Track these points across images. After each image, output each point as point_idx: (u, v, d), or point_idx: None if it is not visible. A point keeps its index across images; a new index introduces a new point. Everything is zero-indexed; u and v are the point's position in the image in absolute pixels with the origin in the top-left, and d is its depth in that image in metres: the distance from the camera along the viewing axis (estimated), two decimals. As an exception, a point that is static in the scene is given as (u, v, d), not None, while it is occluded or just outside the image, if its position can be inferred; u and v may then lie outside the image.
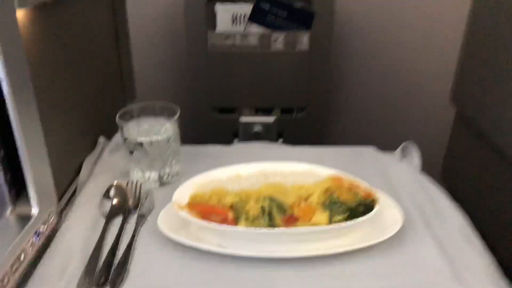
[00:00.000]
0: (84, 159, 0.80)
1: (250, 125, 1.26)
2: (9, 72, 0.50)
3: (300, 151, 0.86)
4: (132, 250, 0.59)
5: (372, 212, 0.58)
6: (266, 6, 1.17)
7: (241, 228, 0.58)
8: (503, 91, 0.86)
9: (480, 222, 0.85)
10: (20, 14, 0.56)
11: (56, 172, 0.62)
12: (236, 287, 0.55)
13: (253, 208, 0.60)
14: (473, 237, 0.64)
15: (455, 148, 1.11)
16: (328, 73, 1.26)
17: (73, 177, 0.77)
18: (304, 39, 1.19)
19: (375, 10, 1.42)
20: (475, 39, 0.99)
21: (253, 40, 1.20)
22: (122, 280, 0.54)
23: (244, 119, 1.27)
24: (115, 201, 0.69)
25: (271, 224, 0.59)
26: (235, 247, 0.57)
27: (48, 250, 0.60)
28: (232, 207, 0.61)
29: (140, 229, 0.64)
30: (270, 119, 1.26)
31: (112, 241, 0.61)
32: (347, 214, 0.60)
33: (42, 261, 0.58)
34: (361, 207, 0.60)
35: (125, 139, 0.72)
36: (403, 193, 0.72)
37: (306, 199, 0.63)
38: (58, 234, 0.63)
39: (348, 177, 0.65)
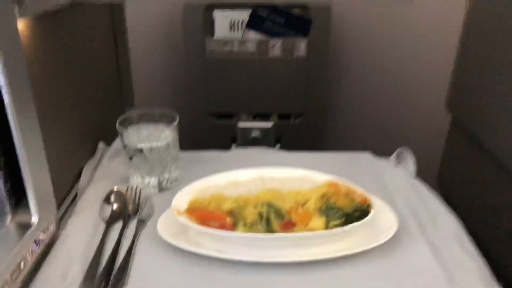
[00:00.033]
0: (83, 165, 0.81)
1: (248, 130, 1.27)
2: (10, 81, 0.50)
3: (297, 157, 0.87)
4: (132, 255, 0.60)
5: (367, 217, 0.60)
6: (264, 13, 1.18)
7: (239, 233, 0.59)
8: (497, 97, 0.87)
9: (475, 227, 0.86)
10: (21, 23, 0.57)
11: (56, 179, 0.63)
12: (235, 291, 0.56)
13: (251, 214, 0.61)
14: (466, 241, 0.65)
15: (451, 154, 1.12)
16: (325, 79, 1.27)
17: (72, 184, 0.78)
18: (301, 46, 1.21)
19: (372, 17, 1.43)
20: (470, 46, 1.00)
21: (251, 47, 1.21)
22: (122, 284, 0.55)
23: (242, 124, 1.28)
24: (115, 206, 0.70)
25: (269, 229, 0.60)
26: (233, 252, 0.58)
27: (49, 255, 0.60)
28: (230, 212, 0.62)
29: (139, 234, 0.65)
30: (268, 124, 1.27)
31: (112, 246, 0.61)
32: (343, 219, 0.61)
33: (43, 266, 0.58)
34: (357, 212, 0.61)
35: (125, 145, 0.73)
36: (398, 198, 0.73)
37: (303, 204, 0.64)
38: (59, 240, 0.63)
39: (344, 183, 0.66)
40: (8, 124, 0.53)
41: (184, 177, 0.77)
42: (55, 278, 0.56)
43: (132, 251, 0.61)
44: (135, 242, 0.63)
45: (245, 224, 0.60)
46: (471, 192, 1.00)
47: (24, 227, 0.57)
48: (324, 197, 0.64)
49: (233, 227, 0.60)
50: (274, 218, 0.61)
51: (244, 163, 0.73)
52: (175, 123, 0.74)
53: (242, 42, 1.20)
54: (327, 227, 0.60)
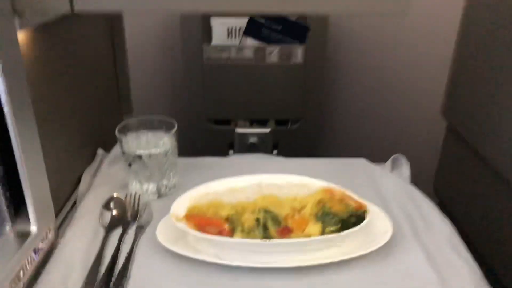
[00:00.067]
0: (81, 172, 0.82)
1: (245, 136, 1.28)
2: (9, 90, 0.51)
3: (293, 163, 0.88)
4: (131, 261, 0.61)
5: (362, 223, 0.61)
6: (261, 20, 1.19)
7: (237, 239, 0.60)
8: (492, 104, 0.88)
9: (470, 232, 0.87)
10: (21, 35, 0.57)
11: (54, 187, 0.64)
12: (233, 296, 0.57)
13: (248, 220, 0.62)
14: (460, 246, 0.66)
15: (447, 160, 1.13)
16: (321, 85, 1.28)
17: (71, 190, 0.78)
18: (298, 52, 1.22)
19: (369, 24, 1.45)
20: (465, 53, 1.02)
21: (248, 53, 1.22)
22: (122, 290, 0.56)
23: (240, 130, 1.29)
24: (114, 212, 0.70)
25: (266, 235, 0.61)
26: (231, 257, 0.59)
27: (49, 263, 0.61)
28: (228, 219, 0.63)
29: (139, 240, 0.66)
30: (265, 130, 1.29)
31: (112, 252, 0.62)
32: (339, 225, 0.62)
33: (43, 274, 0.59)
34: (353, 218, 0.63)
35: (124, 152, 0.74)
36: (393, 204, 0.74)
37: (300, 210, 0.65)
38: (58, 247, 0.64)
39: (339, 189, 0.67)
40: (7, 133, 0.53)
41: (182, 183, 0.78)
42: (56, 284, 0.57)
43: (132, 257, 0.62)
44: (134, 248, 0.64)
45: (242, 230, 0.61)
46: (466, 198, 1.01)
47: (23, 236, 0.57)
48: (320, 203, 0.66)
49: (231, 233, 0.61)
50: (271, 224, 0.62)
51: (241, 169, 0.74)
52: (174, 130, 0.75)
53: (240, 48, 1.21)
54: (323, 232, 0.61)
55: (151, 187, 0.75)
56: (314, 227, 0.62)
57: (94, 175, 0.83)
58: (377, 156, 0.90)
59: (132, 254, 0.62)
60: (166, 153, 0.74)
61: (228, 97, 1.27)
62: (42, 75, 0.67)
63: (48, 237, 0.62)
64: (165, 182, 0.76)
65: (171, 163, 0.76)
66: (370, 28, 1.46)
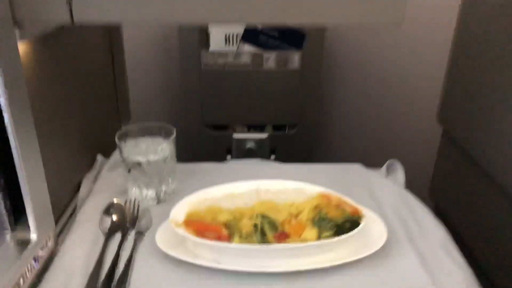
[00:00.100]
0: (81, 179, 0.82)
1: (243, 141, 1.29)
2: (10, 101, 0.52)
3: (290, 168, 0.90)
4: (131, 266, 0.62)
5: (358, 228, 0.62)
6: (258, 27, 1.20)
7: (235, 244, 0.61)
8: (487, 111, 0.89)
9: (465, 237, 0.88)
10: (22, 45, 0.58)
11: (54, 194, 0.64)
12: (231, 300, 0.58)
13: (246, 226, 0.63)
14: (454, 250, 0.67)
15: (442, 165, 1.14)
16: (318, 91, 1.29)
17: (71, 197, 0.79)
18: (295, 58, 1.23)
19: (365, 31, 1.46)
20: (461, 59, 1.03)
21: (245, 59, 1.23)
22: (122, 295, 0.57)
23: (237, 135, 1.30)
24: (114, 218, 0.71)
25: (264, 240, 0.62)
26: (229, 262, 0.60)
27: (50, 269, 0.62)
28: (226, 224, 0.64)
29: (138, 246, 0.66)
30: (262, 135, 1.30)
31: (112, 258, 0.63)
32: (335, 230, 0.63)
33: (44, 280, 0.60)
34: (348, 223, 0.64)
35: (123, 158, 0.75)
36: (387, 209, 0.75)
37: (297, 216, 0.66)
38: (59, 253, 0.65)
39: (336, 195, 0.68)
40: (8, 142, 0.53)
41: (181, 189, 0.79)
42: (56, 289, 0.58)
43: (131, 262, 0.62)
44: (134, 254, 0.64)
45: (241, 236, 0.62)
46: (462, 203, 1.02)
47: (23, 243, 0.57)
48: (317, 208, 0.67)
49: (229, 238, 0.62)
50: (268, 229, 0.63)
51: (239, 175, 0.75)
52: (173, 136, 0.76)
53: (237, 54, 1.22)
54: (319, 237, 0.62)
55: (150, 193, 0.76)
56: (310, 232, 0.63)
57: (94, 181, 0.84)
58: (374, 160, 0.92)
59: (132, 260, 0.63)
60: (165, 159, 0.75)
61: (226, 102, 1.28)
62: (42, 84, 0.67)
63: (48, 245, 0.62)
64: (164, 188, 0.77)
65: (170, 169, 0.77)
66: (366, 35, 1.47)
